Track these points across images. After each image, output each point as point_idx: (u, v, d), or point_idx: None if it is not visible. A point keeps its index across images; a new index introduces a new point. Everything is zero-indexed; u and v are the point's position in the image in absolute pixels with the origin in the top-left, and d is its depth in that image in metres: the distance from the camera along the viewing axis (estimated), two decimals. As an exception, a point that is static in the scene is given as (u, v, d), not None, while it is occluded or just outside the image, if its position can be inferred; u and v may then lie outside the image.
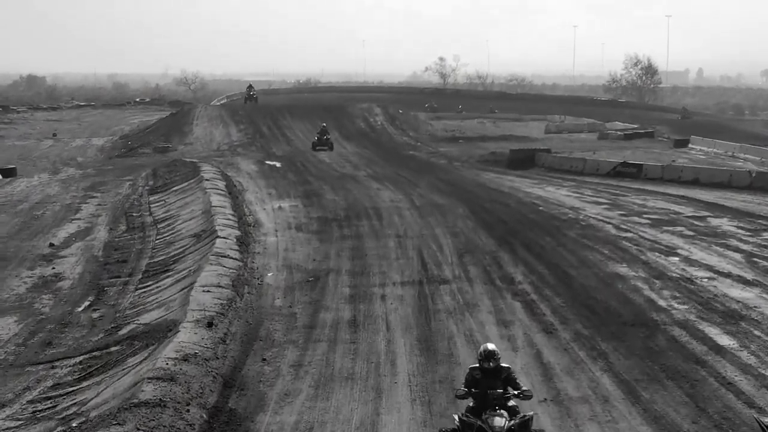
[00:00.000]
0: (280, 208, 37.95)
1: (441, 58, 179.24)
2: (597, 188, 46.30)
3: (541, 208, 38.52)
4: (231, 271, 24.96)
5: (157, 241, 32.66)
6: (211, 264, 25.27)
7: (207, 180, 41.65)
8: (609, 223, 34.57)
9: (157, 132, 74.28)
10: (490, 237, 31.63)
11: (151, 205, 40.45)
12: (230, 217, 32.96)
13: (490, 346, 13.24)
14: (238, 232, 30.16)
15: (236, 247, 27.95)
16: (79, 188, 48.15)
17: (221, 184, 41.02)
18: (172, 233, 33.32)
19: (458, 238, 31.54)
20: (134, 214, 38.97)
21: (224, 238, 28.84)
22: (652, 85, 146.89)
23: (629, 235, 31.94)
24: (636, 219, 35.60)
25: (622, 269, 26.51)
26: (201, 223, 32.97)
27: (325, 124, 64.99)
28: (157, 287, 25.72)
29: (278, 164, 55.97)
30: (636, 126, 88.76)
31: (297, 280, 25.64)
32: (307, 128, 73.75)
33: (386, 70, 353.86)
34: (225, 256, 26.43)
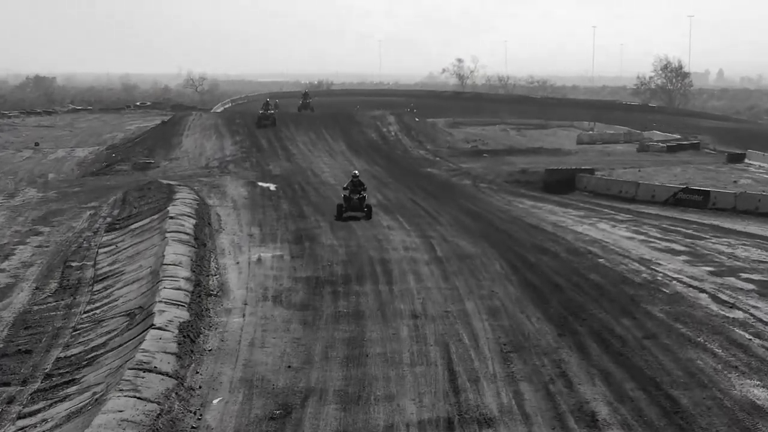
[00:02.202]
0: (259, 260, 28.35)
1: (459, 60, 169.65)
2: (660, 224, 36.68)
3: (601, 260, 28.82)
4: (151, 405, 15.48)
5: (84, 316, 23.28)
6: (122, 391, 15.79)
7: (172, 218, 32.12)
8: (700, 289, 24.89)
9: (144, 143, 64.83)
10: (544, 318, 22.03)
11: (100, 251, 31.04)
12: (183, 283, 23.43)
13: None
14: (184, 316, 20.61)
15: (173, 348, 18.41)
16: (28, 219, 38.82)
17: (189, 225, 31.46)
18: (106, 304, 23.89)
19: (499, 319, 21.96)
20: (75, 264, 29.55)
21: (161, 328, 19.35)
22: (682, 89, 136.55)
23: (739, 315, 22.25)
24: (735, 282, 25.88)
25: (759, 392, 16.93)
26: (143, 291, 23.54)
27: (357, 173, 39.71)
28: (44, 420, 16.34)
29: (273, 186, 46.48)
30: (678, 136, 78.95)
31: (256, 414, 16.10)
32: (311, 140, 64.17)
33: (402, 71, 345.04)
34: (150, 370, 16.93)
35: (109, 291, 25.16)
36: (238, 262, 27.89)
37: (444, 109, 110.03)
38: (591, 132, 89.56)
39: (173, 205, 35.22)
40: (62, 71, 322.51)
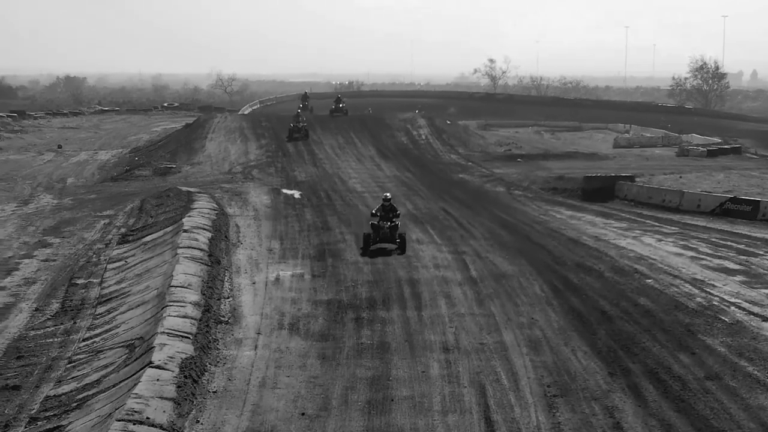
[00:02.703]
0: (277, 280, 26.02)
1: (491, 60, 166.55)
2: (709, 237, 33.96)
3: (650, 281, 26.22)
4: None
5: (82, 344, 21.08)
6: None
7: (186, 231, 29.84)
8: (763, 317, 22.26)
9: (167, 147, 62.73)
10: (592, 353, 19.53)
11: (109, 266, 28.86)
12: (191, 309, 21.13)
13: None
14: (188, 351, 18.28)
15: (172, 392, 16.10)
16: (39, 229, 36.79)
17: (203, 239, 29.17)
18: (107, 331, 21.67)
19: (541, 353, 19.48)
20: (80, 282, 27.40)
21: (160, 366, 17.05)
22: (718, 90, 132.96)
23: (811, 350, 19.67)
24: (800, 309, 23.25)
25: None
26: (147, 318, 21.26)
27: (389, 196, 32.72)
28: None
29: (297, 194, 44.19)
30: (718, 140, 75.88)
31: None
32: (338, 144, 61.79)
33: (433, 71, 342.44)
34: (141, 422, 14.63)
35: (111, 315, 22.93)
36: (254, 282, 25.57)
37: (476, 110, 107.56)
38: (627, 135, 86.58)
39: (189, 216, 32.96)
40: (96, 71, 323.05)
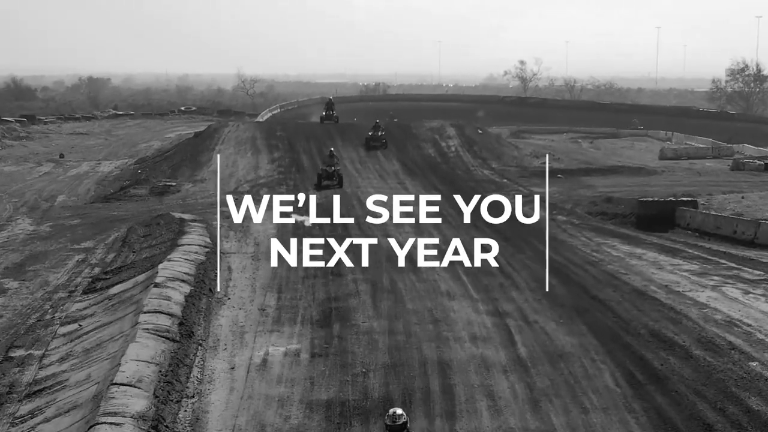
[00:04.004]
0: (264, 363, 19.55)
1: (521, 62, 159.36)
2: (806, 288, 27.24)
3: (754, 364, 19.54)
4: None
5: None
6: None
7: (157, 287, 23.49)
8: None
9: (171, 160, 56.45)
10: None
11: (60, 330, 22.62)
12: (130, 430, 14.74)
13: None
14: None
15: None
16: (0, 267, 30.75)
17: (177, 298, 22.78)
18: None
19: None
20: (17, 355, 21.18)
21: None
22: (760, 93, 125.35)
23: None
24: None
25: None
26: (69, 441, 14.92)
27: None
28: None
29: (309, 221, 37.78)
30: (774, 151, 68.91)
31: None
32: (359, 157, 55.26)
33: (461, 71, 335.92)
34: None
35: (34, 422, 16.60)
36: (233, 367, 19.14)
37: (507, 115, 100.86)
38: (673, 145, 79.56)
39: (168, 261, 26.62)
40: (124, 72, 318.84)
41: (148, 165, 58.84)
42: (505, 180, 51.68)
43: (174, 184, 46.83)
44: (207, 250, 29.79)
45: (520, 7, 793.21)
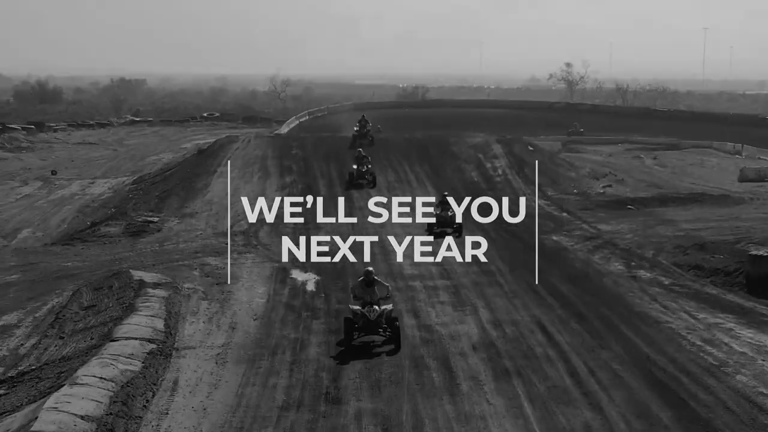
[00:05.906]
0: None
1: (568, 64, 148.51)
2: None
3: None
4: None
5: None
6: None
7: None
8: None
9: (165, 184, 46.74)
10: None
11: None
12: None
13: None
14: None
15: None
16: None
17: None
18: None
19: None
20: None
21: None
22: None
23: None
24: None
25: None
26: None
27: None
28: None
29: (313, 281, 28.22)
30: None
31: None
32: (387, 183, 45.25)
33: (503, 71, 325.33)
34: None
35: None
36: None
37: (556, 123, 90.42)
38: (753, 163, 68.30)
39: (72, 384, 16.86)
40: (163, 72, 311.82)
41: (146, 185, 49.41)
42: (564, 214, 41.41)
43: (156, 220, 37.01)
44: (152, 347, 20.05)
45: (561, 5, 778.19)
